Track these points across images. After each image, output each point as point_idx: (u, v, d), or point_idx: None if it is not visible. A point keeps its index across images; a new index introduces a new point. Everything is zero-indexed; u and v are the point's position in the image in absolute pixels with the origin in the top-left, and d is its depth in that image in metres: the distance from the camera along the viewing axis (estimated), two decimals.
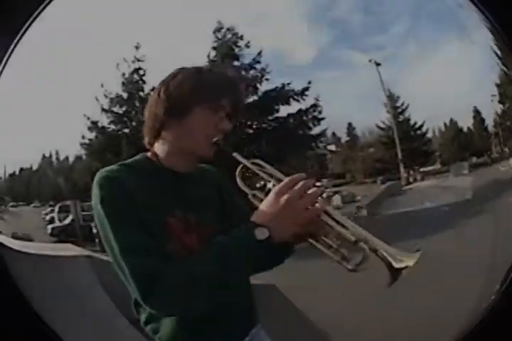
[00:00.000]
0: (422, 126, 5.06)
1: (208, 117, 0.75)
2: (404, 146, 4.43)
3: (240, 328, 0.79)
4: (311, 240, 0.67)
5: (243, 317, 0.79)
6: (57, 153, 4.40)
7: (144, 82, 3.80)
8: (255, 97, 3.76)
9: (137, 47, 3.86)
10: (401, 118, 4.85)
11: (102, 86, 3.78)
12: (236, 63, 3.85)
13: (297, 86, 3.84)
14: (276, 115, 3.71)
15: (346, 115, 4.11)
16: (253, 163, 0.77)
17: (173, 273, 0.65)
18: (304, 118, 3.76)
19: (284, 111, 3.75)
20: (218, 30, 3.95)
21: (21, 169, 4.70)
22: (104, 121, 3.80)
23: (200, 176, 0.83)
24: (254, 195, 0.76)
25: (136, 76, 3.80)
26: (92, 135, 3.76)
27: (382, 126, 4.59)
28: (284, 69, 3.82)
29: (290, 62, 4.05)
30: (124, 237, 0.66)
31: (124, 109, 3.75)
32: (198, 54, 3.89)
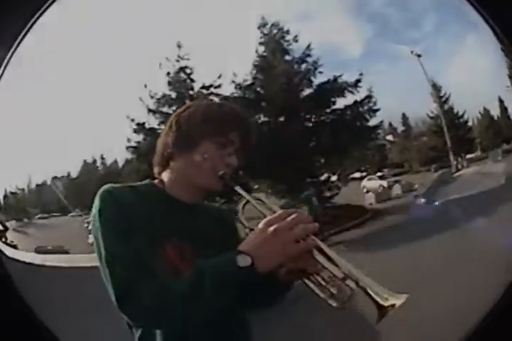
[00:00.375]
0: (463, 114, 5.03)
1: (215, 151, 0.73)
2: (451, 134, 4.38)
3: None
4: (304, 279, 0.64)
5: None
6: (102, 158, 4.31)
7: (192, 81, 3.71)
8: (311, 90, 3.68)
9: (179, 46, 3.77)
10: (446, 107, 4.81)
11: (145, 86, 3.70)
12: (287, 57, 3.76)
13: (348, 78, 3.78)
14: (334, 107, 3.64)
15: (398, 105, 4.06)
16: (256, 199, 0.73)
17: (150, 288, 0.66)
18: (360, 109, 3.68)
19: (340, 103, 3.68)
20: (263, 25, 3.86)
21: (55, 177, 4.53)
22: (152, 122, 3.71)
23: (205, 210, 0.79)
24: (251, 229, 0.73)
25: (182, 75, 3.72)
26: (139, 137, 3.67)
27: (431, 115, 4.56)
28: (333, 63, 3.74)
29: (338, 56, 3.96)
30: (113, 247, 0.68)
31: (173, 108, 3.65)
32: (246, 50, 3.81)
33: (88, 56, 4.00)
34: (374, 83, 4.06)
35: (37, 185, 4.59)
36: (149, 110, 3.65)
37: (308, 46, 3.85)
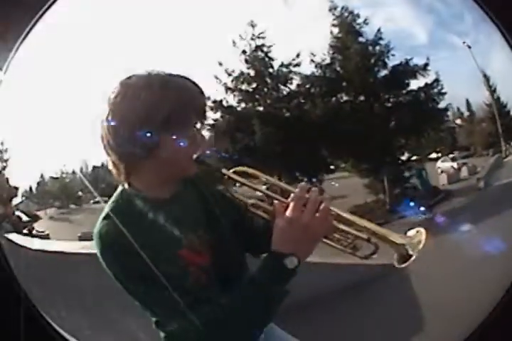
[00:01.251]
0: (507, 104, 5.24)
1: (176, 142, 0.71)
2: (501, 122, 4.52)
3: None
4: (324, 240, 0.70)
5: None
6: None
7: (270, 59, 3.64)
8: (386, 72, 3.69)
9: (253, 25, 3.70)
10: (495, 96, 4.98)
11: (220, 64, 3.59)
12: (360, 39, 3.77)
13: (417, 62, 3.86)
14: (408, 89, 3.67)
15: (461, 92, 4.16)
16: (246, 173, 0.76)
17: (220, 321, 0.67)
18: (431, 91, 3.74)
19: (412, 85, 3.73)
20: (334, 8, 3.86)
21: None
22: (230, 99, 3.60)
23: (185, 194, 0.80)
24: (253, 204, 0.76)
25: (260, 53, 3.64)
26: (216, 115, 3.55)
27: (487, 102, 4.69)
28: (401, 48, 3.79)
29: (405, 42, 4.03)
30: (149, 297, 0.68)
31: (253, 86, 3.57)
32: (320, 30, 3.78)
33: (159, 33, 3.87)
34: (439, 70, 4.21)
35: (94, 168, 4.23)
36: (227, 88, 3.54)
37: (379, 30, 3.92)
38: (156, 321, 0.74)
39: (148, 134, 0.69)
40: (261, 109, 3.46)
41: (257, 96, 3.49)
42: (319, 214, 0.68)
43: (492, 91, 5.77)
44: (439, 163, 3.80)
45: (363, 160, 3.50)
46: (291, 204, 0.69)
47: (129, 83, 0.72)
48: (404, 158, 3.61)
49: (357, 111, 3.49)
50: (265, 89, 3.50)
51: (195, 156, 0.73)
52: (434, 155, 3.82)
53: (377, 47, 4.15)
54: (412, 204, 3.53)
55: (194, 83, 0.74)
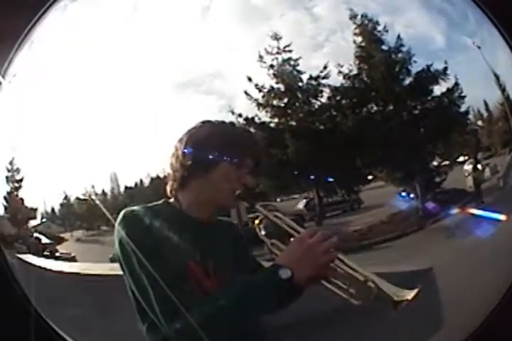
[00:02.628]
0: None
1: (232, 173, 0.84)
2: None
3: None
4: (324, 282, 0.82)
5: None
6: None
7: (299, 72, 3.62)
8: (411, 79, 3.72)
9: (277, 38, 3.67)
10: (505, 95, 5.09)
11: (249, 80, 3.56)
12: (384, 47, 3.77)
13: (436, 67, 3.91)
14: (433, 95, 3.72)
15: (478, 93, 4.24)
16: (275, 216, 0.89)
17: (195, 310, 0.73)
18: (453, 96, 3.80)
19: (435, 91, 3.78)
20: (354, 17, 3.84)
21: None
22: (261, 116, 3.59)
23: (220, 227, 0.91)
24: (272, 244, 0.89)
25: (288, 67, 3.62)
26: None
27: (499, 101, 4.79)
28: (420, 53, 3.81)
29: (423, 46, 4.06)
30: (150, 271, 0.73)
31: (284, 101, 3.56)
32: (343, 41, 3.76)
33: (184, 52, 3.78)
34: (457, 73, 4.27)
35: (126, 188, 4.14)
36: (259, 104, 3.51)
37: (399, 36, 3.94)
38: (147, 327, 0.79)
39: (213, 154, 0.80)
40: (293, 123, 3.45)
41: (288, 111, 3.49)
42: (325, 243, 0.78)
43: (502, 90, 5.91)
44: (465, 166, 3.88)
45: (396, 169, 3.56)
46: (305, 231, 0.79)
47: (210, 123, 0.89)
48: (434, 163, 3.67)
49: (387, 121, 3.53)
50: (296, 104, 3.49)
51: (237, 192, 0.83)
52: (461, 159, 3.89)
53: (400, 55, 4.20)
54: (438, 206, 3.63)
55: (257, 140, 0.87)
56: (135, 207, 0.76)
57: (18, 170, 4.02)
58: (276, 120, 3.72)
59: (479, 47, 4.67)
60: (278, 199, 0.82)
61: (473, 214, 3.45)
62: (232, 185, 0.82)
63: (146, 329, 0.81)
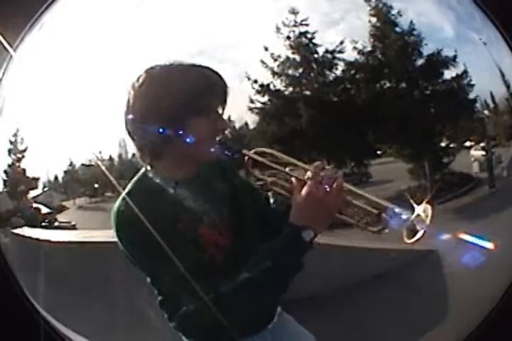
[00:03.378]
0: None
1: (204, 121, 0.85)
2: None
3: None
4: (338, 215, 0.85)
5: None
6: (229, 120, 3.96)
7: (315, 45, 3.64)
8: (422, 60, 3.78)
9: (294, 13, 3.71)
10: (510, 90, 5.23)
11: (266, 49, 3.56)
12: (397, 29, 3.85)
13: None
14: (443, 78, 3.78)
15: (485, 85, 4.33)
16: (265, 153, 0.91)
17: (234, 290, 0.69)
18: (462, 82, 3.86)
19: (446, 75, 3.84)
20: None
21: None
22: (276, 84, 3.56)
23: (206, 171, 0.92)
24: (272, 182, 0.91)
25: (304, 39, 3.64)
26: (264, 99, 3.50)
27: (505, 96, 4.90)
28: (431, 40, 3.91)
29: (434, 34, 4.16)
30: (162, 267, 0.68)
31: (300, 71, 3.55)
32: (358, 20, 3.83)
33: (205, 20, 3.78)
34: (465, 61, 4.39)
35: (134, 155, 4.00)
36: (274, 72, 3.50)
37: (412, 21, 4.04)
38: (161, 300, 0.74)
39: (176, 117, 0.73)
40: (308, 93, 3.44)
41: (303, 81, 3.48)
42: (333, 190, 0.73)
43: (507, 86, 6.10)
44: (472, 152, 3.92)
45: (406, 146, 3.56)
46: (308, 182, 0.74)
47: (154, 72, 0.75)
48: (443, 144, 3.70)
49: (399, 98, 3.56)
50: (311, 74, 3.49)
51: (217, 140, 0.79)
52: (467, 144, 3.93)
53: (412, 38, 4.31)
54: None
55: (214, 71, 0.78)
56: (121, 202, 0.70)
57: (22, 141, 3.90)
58: (290, 89, 3.73)
59: (485, 44, 4.83)
60: (287, 169, 0.77)
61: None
62: (210, 134, 0.76)
63: (162, 301, 0.75)
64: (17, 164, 3.88)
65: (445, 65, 4.30)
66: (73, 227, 3.82)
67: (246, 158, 0.79)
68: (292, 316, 1.01)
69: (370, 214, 0.77)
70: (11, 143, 3.69)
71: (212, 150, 0.76)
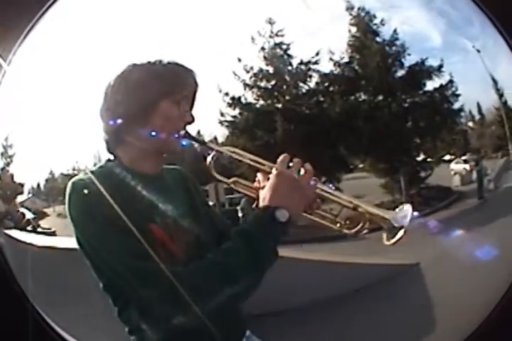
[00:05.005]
0: None
1: (174, 111, 0.76)
2: (508, 125, 4.59)
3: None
4: (305, 214, 0.73)
5: (230, 329, 0.76)
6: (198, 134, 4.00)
7: (289, 56, 3.61)
8: (403, 72, 3.70)
9: (271, 23, 3.67)
10: (503, 99, 5.06)
11: (239, 60, 3.54)
12: (378, 39, 3.77)
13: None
14: (425, 89, 3.69)
15: (472, 95, 4.21)
16: (233, 152, 0.80)
17: (199, 271, 0.65)
18: (446, 92, 3.76)
19: (428, 86, 3.75)
20: (351, 8, 3.85)
21: None
22: (248, 96, 3.55)
23: (169, 176, 0.84)
24: (235, 182, 0.80)
25: (279, 50, 3.60)
26: (235, 112, 3.49)
27: (495, 106, 4.76)
28: (416, 50, 3.81)
29: (420, 43, 4.06)
30: (116, 243, 0.66)
31: (272, 83, 3.53)
32: (338, 29, 3.77)
33: (178, 29, 3.79)
34: (452, 72, 4.26)
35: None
36: (246, 85, 3.49)
37: (395, 30, 3.94)
38: (114, 298, 0.73)
39: (149, 95, 0.73)
40: (279, 106, 3.42)
41: (275, 94, 3.46)
42: (304, 174, 0.70)
43: (500, 95, 5.92)
44: (452, 165, 3.83)
45: (381, 160, 3.50)
46: (279, 164, 0.72)
47: (124, 69, 0.77)
48: (419, 158, 3.62)
49: (375, 110, 3.49)
50: (284, 87, 3.46)
51: (182, 132, 0.77)
52: (447, 157, 3.84)
53: (394, 48, 4.20)
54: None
55: (184, 66, 0.78)
56: (80, 178, 0.70)
57: (11, 146, 4.03)
58: (262, 102, 3.73)
59: (479, 51, 4.67)
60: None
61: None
62: (175, 125, 0.75)
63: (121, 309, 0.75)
64: (7, 168, 4.01)
65: (428, 75, 4.18)
66: (53, 234, 3.94)
67: (210, 156, 0.79)
68: (268, 330, 0.96)
69: (348, 218, 0.75)
70: (3, 146, 3.81)
71: (175, 140, 0.76)
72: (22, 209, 4.19)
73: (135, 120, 0.72)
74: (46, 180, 4.41)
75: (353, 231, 0.74)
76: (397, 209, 0.69)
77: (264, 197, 0.69)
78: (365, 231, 0.72)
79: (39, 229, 4.06)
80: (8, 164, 3.98)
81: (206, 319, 0.67)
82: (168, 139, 0.74)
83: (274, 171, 0.69)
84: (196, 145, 0.80)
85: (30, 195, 4.30)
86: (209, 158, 0.74)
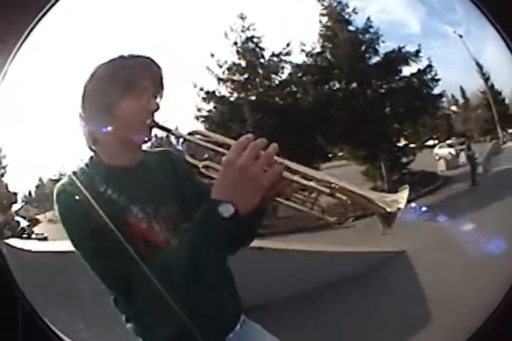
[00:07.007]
0: (501, 92, 5.23)
1: (135, 104, 0.74)
2: (496, 109, 4.50)
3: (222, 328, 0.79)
4: (279, 199, 0.65)
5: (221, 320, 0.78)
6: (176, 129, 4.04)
7: (261, 49, 3.62)
8: (378, 58, 3.67)
9: (242, 18, 3.70)
10: (489, 84, 4.98)
11: (212, 55, 3.57)
12: (350, 28, 3.76)
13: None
14: (401, 75, 3.65)
15: (455, 79, 4.15)
16: (193, 134, 0.76)
17: (150, 271, 0.63)
18: (424, 77, 3.72)
19: (405, 71, 3.71)
20: None
21: None
22: (222, 90, 3.56)
23: (154, 162, 0.81)
24: (206, 166, 0.75)
25: (251, 44, 3.62)
26: (209, 106, 3.51)
27: (481, 90, 4.68)
28: (393, 37, 3.78)
29: (397, 31, 4.04)
30: (91, 244, 0.67)
31: (245, 76, 3.54)
32: (309, 20, 3.77)
33: (149, 26, 3.85)
34: (432, 57, 4.23)
35: None
36: (219, 79, 3.51)
37: (368, 18, 3.94)
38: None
39: (107, 97, 0.75)
40: (253, 98, 3.42)
41: (249, 86, 3.46)
42: (260, 160, 0.64)
43: (486, 79, 5.81)
44: (436, 150, 3.75)
45: (360, 147, 3.46)
46: (231, 150, 0.67)
47: (98, 64, 0.79)
48: (400, 144, 3.57)
49: (350, 98, 3.46)
50: (257, 79, 3.47)
51: (148, 121, 0.78)
52: (430, 142, 3.77)
53: (367, 35, 4.19)
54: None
55: (150, 58, 0.79)
56: (62, 182, 0.74)
57: (4, 157, 4.15)
58: (235, 94, 3.73)
59: (461, 36, 4.62)
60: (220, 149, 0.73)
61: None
62: (140, 117, 0.77)
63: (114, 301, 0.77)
64: (1, 179, 4.09)
65: (405, 60, 4.14)
66: (45, 239, 4.03)
67: (180, 141, 0.78)
68: (259, 322, 0.93)
69: (325, 198, 0.69)
70: None
71: (142, 131, 0.78)
72: (17, 218, 4.29)
73: (100, 119, 0.75)
74: (36, 187, 4.50)
75: (335, 218, 0.68)
76: (399, 196, 0.62)
77: (213, 187, 0.66)
78: (350, 219, 0.67)
79: (33, 236, 4.15)
80: (2, 175, 4.07)
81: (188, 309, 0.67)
82: (135, 131, 0.76)
83: (224, 156, 0.66)
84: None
85: (24, 204, 4.39)
86: (179, 144, 0.74)
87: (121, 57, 0.79)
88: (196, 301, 0.66)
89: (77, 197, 0.69)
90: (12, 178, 4.24)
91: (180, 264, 0.63)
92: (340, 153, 3.44)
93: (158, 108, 0.81)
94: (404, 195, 0.66)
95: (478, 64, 5.49)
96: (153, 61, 0.80)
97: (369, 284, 2.59)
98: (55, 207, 0.71)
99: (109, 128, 0.77)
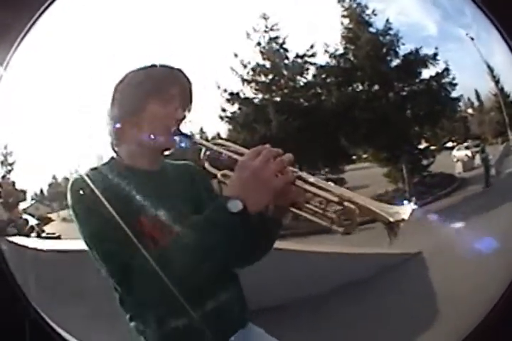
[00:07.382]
0: (509, 95, 5.32)
1: (162, 109, 0.80)
2: (507, 111, 4.59)
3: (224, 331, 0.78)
4: (293, 209, 0.71)
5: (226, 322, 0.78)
6: (202, 132, 4.01)
7: (286, 50, 3.62)
8: (398, 61, 3.70)
9: (265, 18, 3.68)
10: (499, 86, 5.06)
11: (235, 56, 3.55)
12: (371, 29, 3.78)
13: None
14: (421, 78, 3.70)
15: (469, 82, 4.21)
16: (216, 144, 0.82)
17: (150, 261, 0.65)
18: (443, 80, 3.77)
19: (424, 74, 3.76)
20: (342, 0, 3.87)
21: None
22: (246, 91, 3.55)
23: (174, 172, 0.87)
24: (224, 175, 0.82)
25: (275, 45, 3.62)
26: (234, 107, 3.50)
27: (492, 92, 4.76)
28: (411, 39, 3.81)
29: (415, 33, 4.07)
30: (97, 231, 0.69)
31: (269, 77, 3.54)
32: (331, 21, 3.78)
33: (172, 28, 3.81)
34: (449, 60, 4.29)
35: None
36: (244, 80, 3.49)
37: (387, 20, 3.97)
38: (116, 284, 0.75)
39: (135, 101, 0.77)
40: (278, 99, 3.42)
41: (273, 87, 3.46)
42: (273, 164, 0.68)
43: (496, 81, 5.92)
44: (454, 152, 3.82)
45: (382, 149, 3.49)
46: (246, 154, 0.71)
47: (125, 74, 0.83)
48: (421, 146, 3.61)
49: (373, 100, 3.50)
50: (282, 80, 3.47)
51: (173, 129, 0.80)
52: (449, 144, 3.83)
53: (388, 37, 4.23)
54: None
55: (181, 71, 0.83)
56: (80, 175, 0.74)
57: (11, 154, 4.05)
58: (260, 96, 3.73)
59: (472, 39, 4.69)
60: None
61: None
62: (166, 123, 0.78)
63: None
64: (7, 176, 4.01)
65: (423, 63, 4.20)
66: (58, 238, 3.95)
67: (202, 150, 0.78)
68: (264, 327, 0.94)
69: (335, 209, 0.71)
70: (3, 155, 3.82)
71: (166, 139, 0.79)
72: (25, 216, 4.21)
73: (127, 121, 0.76)
74: (49, 185, 4.42)
75: (343, 228, 0.70)
76: (402, 209, 0.64)
77: (226, 187, 0.71)
78: (357, 228, 0.68)
79: (43, 235, 4.07)
80: (9, 172, 3.99)
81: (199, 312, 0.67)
82: (159, 136, 0.77)
83: (240, 159, 0.69)
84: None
85: (34, 202, 4.31)
86: (202, 153, 0.75)
87: (154, 65, 0.82)
88: (198, 295, 0.70)
89: (92, 187, 0.71)
90: (21, 176, 4.17)
91: (184, 253, 0.67)
92: (365, 155, 3.48)
93: (184, 117, 0.83)
94: (407, 210, 0.71)
95: (489, 66, 5.61)
96: (184, 74, 0.83)
97: (383, 286, 2.62)
98: (68, 195, 0.73)
99: (134, 130, 0.79)
